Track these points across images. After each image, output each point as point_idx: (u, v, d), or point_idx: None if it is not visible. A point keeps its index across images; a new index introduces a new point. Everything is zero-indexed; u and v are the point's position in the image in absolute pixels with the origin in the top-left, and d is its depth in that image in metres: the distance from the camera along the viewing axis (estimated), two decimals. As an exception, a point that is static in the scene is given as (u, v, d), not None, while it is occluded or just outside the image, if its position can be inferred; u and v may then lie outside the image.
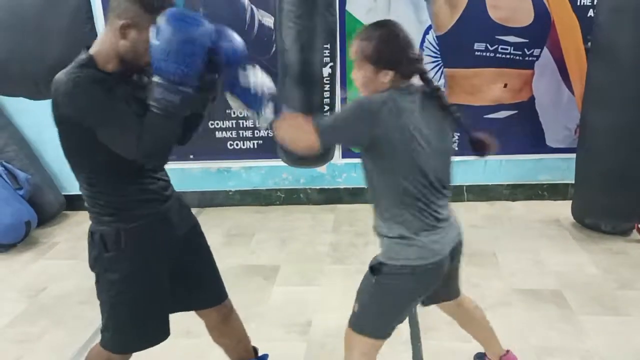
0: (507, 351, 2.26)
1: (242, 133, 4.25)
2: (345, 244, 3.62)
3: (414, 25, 3.92)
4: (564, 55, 3.92)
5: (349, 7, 3.90)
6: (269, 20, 3.95)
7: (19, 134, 4.22)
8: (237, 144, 4.29)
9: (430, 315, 2.77)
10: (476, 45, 3.93)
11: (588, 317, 2.74)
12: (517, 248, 3.50)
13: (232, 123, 4.22)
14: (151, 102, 1.54)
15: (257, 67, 1.78)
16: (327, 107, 3.13)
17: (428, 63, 4.00)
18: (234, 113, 4.19)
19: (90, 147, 1.61)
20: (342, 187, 4.36)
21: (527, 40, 3.90)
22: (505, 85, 4.03)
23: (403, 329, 2.64)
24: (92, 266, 1.80)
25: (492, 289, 3.02)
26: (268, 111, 1.76)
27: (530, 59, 3.95)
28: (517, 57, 3.95)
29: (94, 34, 3.28)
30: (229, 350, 2.17)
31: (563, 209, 3.94)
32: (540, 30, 3.89)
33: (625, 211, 3.48)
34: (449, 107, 1.80)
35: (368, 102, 1.69)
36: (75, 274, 3.34)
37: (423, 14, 3.90)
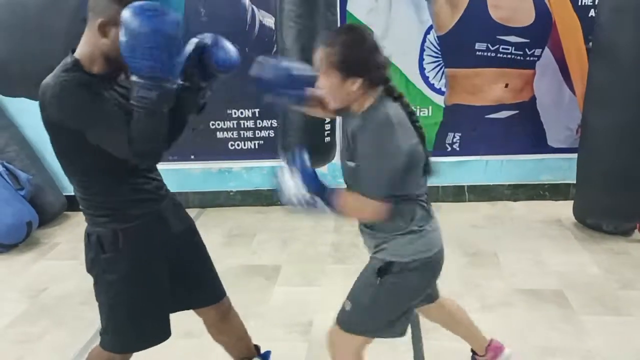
0: (491, 340, 2.27)
1: (243, 133, 4.25)
2: (347, 244, 3.61)
3: (415, 25, 3.92)
4: (565, 55, 3.92)
5: (349, 7, 3.90)
6: (269, 21, 3.95)
7: (20, 134, 4.23)
8: (238, 145, 4.29)
9: (431, 316, 2.77)
10: (477, 45, 3.93)
11: (589, 317, 2.74)
12: (518, 248, 3.49)
13: (233, 123, 4.22)
14: (132, 101, 1.54)
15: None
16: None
17: (429, 63, 4.00)
18: (235, 113, 4.19)
19: (80, 149, 1.61)
20: (343, 187, 4.35)
21: (528, 40, 3.90)
22: (507, 85, 4.03)
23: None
24: (90, 268, 1.80)
25: (493, 289, 3.01)
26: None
27: (532, 58, 3.95)
28: (519, 57, 3.94)
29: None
30: (230, 348, 2.17)
31: (564, 209, 3.93)
32: (542, 30, 3.88)
33: (627, 211, 3.47)
34: (414, 115, 1.74)
35: (391, 140, 1.63)
36: (76, 275, 3.34)
37: (424, 14, 3.90)
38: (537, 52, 3.93)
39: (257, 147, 4.30)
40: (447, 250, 3.49)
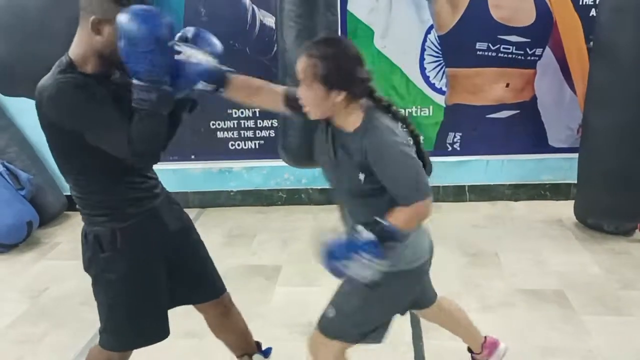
0: (485, 337, 2.27)
1: (244, 133, 4.25)
2: (347, 244, 3.60)
3: (415, 25, 3.91)
4: (566, 55, 3.91)
5: (350, 7, 3.89)
6: (270, 20, 3.94)
7: (20, 134, 4.23)
8: (238, 144, 4.28)
9: (432, 316, 2.76)
10: (478, 45, 3.92)
11: (590, 317, 2.73)
12: (519, 248, 3.49)
13: (233, 123, 4.22)
14: (133, 103, 1.55)
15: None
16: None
17: (430, 63, 3.99)
18: (236, 113, 4.19)
19: (77, 149, 1.61)
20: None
21: (529, 40, 3.89)
22: (508, 85, 4.02)
23: (405, 329, 2.64)
24: (88, 267, 1.80)
25: (494, 289, 3.01)
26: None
27: (533, 58, 3.94)
28: (519, 57, 3.94)
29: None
30: (231, 344, 2.17)
31: (565, 208, 3.93)
32: (542, 30, 3.88)
33: (628, 211, 3.47)
34: (407, 121, 1.72)
35: (402, 143, 1.63)
36: (76, 275, 3.31)
37: (425, 14, 3.90)
38: (538, 51, 3.92)
39: (257, 147, 4.29)
40: (447, 250, 3.53)
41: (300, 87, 1.66)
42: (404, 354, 2.51)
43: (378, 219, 1.62)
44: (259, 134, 4.24)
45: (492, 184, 4.28)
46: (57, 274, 3.45)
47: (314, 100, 1.64)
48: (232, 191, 4.44)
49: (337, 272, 1.66)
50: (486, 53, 3.94)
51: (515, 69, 3.97)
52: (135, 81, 1.53)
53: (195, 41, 1.71)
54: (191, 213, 2.06)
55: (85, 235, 1.78)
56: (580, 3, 3.79)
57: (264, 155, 4.28)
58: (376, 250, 1.59)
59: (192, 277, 1.96)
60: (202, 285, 2.01)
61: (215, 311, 2.08)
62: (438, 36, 3.93)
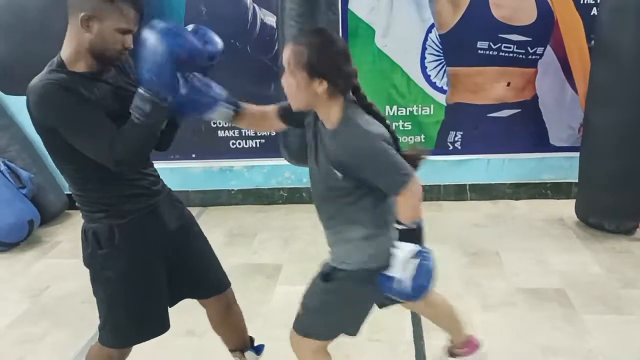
0: (470, 335, 2.27)
1: (244, 132, 4.24)
2: (348, 243, 3.60)
3: (416, 24, 3.91)
4: (567, 54, 3.91)
5: (351, 6, 3.89)
6: (271, 19, 3.94)
7: (21, 133, 4.23)
8: (239, 143, 4.28)
9: (433, 315, 2.76)
10: (479, 44, 3.92)
11: (591, 316, 2.73)
12: (520, 247, 3.49)
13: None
14: (130, 109, 1.56)
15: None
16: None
17: (431, 62, 3.99)
18: (237, 112, 4.18)
19: (70, 149, 1.61)
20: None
21: (530, 39, 3.89)
22: (509, 84, 4.02)
23: (406, 329, 2.64)
24: (87, 263, 1.81)
25: (495, 289, 3.01)
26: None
27: (534, 57, 3.94)
28: (521, 56, 3.93)
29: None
30: (227, 339, 2.18)
31: (566, 207, 3.93)
32: (544, 29, 3.87)
33: (629, 210, 3.47)
34: (386, 122, 1.70)
35: (379, 135, 1.63)
36: (78, 273, 3.32)
37: (426, 13, 3.89)
38: (539, 50, 3.92)
39: (258, 145, 4.29)
40: (448, 250, 3.53)
41: (284, 74, 1.66)
42: (405, 354, 2.51)
43: (396, 225, 1.66)
44: (259, 132, 4.24)
45: (493, 183, 4.28)
46: (58, 272, 3.46)
47: (296, 88, 1.63)
48: (232, 190, 4.44)
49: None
50: (487, 52, 3.93)
51: (517, 68, 3.97)
52: (140, 89, 1.54)
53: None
54: (192, 212, 2.05)
55: (84, 232, 1.79)
56: (582, 2, 3.79)
57: (264, 154, 4.28)
58: (426, 253, 1.66)
59: (194, 274, 1.97)
60: (205, 281, 2.02)
61: (218, 306, 2.08)
62: (439, 35, 3.93)
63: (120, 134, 1.56)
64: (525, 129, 4.11)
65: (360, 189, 1.68)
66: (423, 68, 4.01)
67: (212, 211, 4.32)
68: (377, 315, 2.47)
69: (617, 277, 3.07)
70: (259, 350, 2.21)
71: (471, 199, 4.30)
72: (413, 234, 1.64)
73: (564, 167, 4.14)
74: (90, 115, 1.57)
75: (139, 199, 1.78)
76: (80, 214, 1.80)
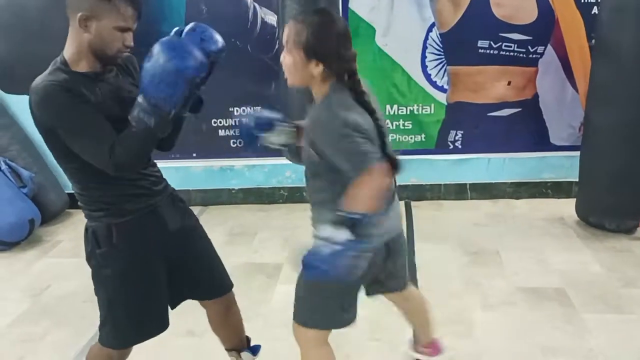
0: (436, 339, 2.30)
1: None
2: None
3: (417, 23, 3.91)
4: (567, 53, 3.90)
5: (352, 5, 3.89)
6: (271, 18, 3.94)
7: (22, 132, 4.23)
8: (240, 142, 4.28)
9: (433, 314, 2.76)
10: (480, 43, 3.92)
11: (592, 315, 2.73)
12: (520, 246, 3.48)
13: (235, 121, 4.21)
14: (130, 118, 1.55)
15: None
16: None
17: (431, 61, 3.99)
18: (237, 111, 4.19)
19: (71, 149, 1.61)
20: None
21: (531, 38, 3.88)
22: (509, 83, 4.02)
23: (406, 329, 2.64)
24: (88, 260, 1.82)
25: (495, 288, 3.01)
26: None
27: (534, 56, 3.93)
28: (521, 55, 3.93)
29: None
30: (225, 339, 2.18)
31: (567, 207, 3.93)
32: (544, 28, 3.87)
33: (629, 209, 3.47)
34: (375, 115, 1.67)
35: (352, 124, 1.59)
36: (78, 273, 3.34)
37: (426, 12, 3.89)
38: (540, 49, 3.91)
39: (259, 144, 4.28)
40: (448, 249, 3.53)
41: (283, 52, 1.68)
42: (405, 354, 2.50)
43: (339, 211, 1.54)
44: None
45: (493, 182, 4.28)
46: (59, 272, 3.46)
47: (292, 66, 1.65)
48: (233, 189, 4.44)
49: (327, 275, 1.57)
50: (488, 51, 3.93)
51: (517, 67, 3.96)
52: (141, 99, 1.53)
53: (189, 36, 1.70)
54: (192, 211, 2.06)
55: (85, 231, 1.79)
56: (582, 1, 3.78)
57: (265, 153, 4.25)
58: (353, 244, 1.50)
59: (195, 275, 1.96)
60: (207, 283, 2.02)
61: (219, 307, 2.09)
62: (440, 34, 3.93)
63: (120, 139, 1.57)
64: (526, 128, 4.11)
65: (333, 173, 1.66)
66: (423, 67, 4.01)
67: (212, 210, 4.33)
68: (377, 315, 2.48)
69: (617, 276, 3.07)
70: (255, 350, 2.22)
71: (471, 198, 4.30)
72: (350, 223, 1.51)
73: (564, 166, 4.14)
74: (90, 119, 1.58)
75: (140, 199, 1.78)
76: (82, 213, 1.80)
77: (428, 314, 2.25)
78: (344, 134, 1.56)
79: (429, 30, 3.92)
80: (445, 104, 4.08)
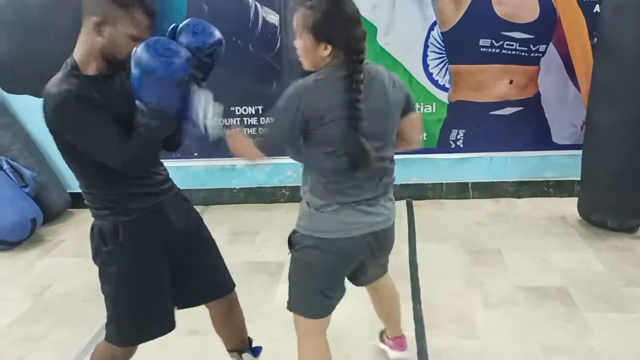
0: (404, 336, 2.37)
1: (247, 130, 4.24)
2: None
3: (418, 22, 3.90)
4: (569, 52, 3.90)
5: (353, 4, 3.88)
6: (272, 18, 3.94)
7: (24, 131, 4.24)
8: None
9: (434, 313, 2.76)
10: (481, 42, 3.91)
11: (594, 314, 2.73)
12: (522, 245, 3.48)
13: (236, 120, 4.21)
14: (136, 124, 1.58)
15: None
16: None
17: (433, 59, 3.98)
18: (238, 110, 4.19)
19: (80, 150, 1.64)
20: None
21: (532, 36, 3.88)
22: (511, 82, 4.01)
23: (407, 328, 2.64)
24: (94, 259, 1.83)
25: (497, 287, 3.00)
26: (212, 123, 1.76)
27: (536, 55, 3.93)
28: (523, 53, 3.93)
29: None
30: (227, 340, 2.19)
31: (569, 206, 3.92)
32: (546, 26, 3.86)
33: (631, 208, 3.46)
34: (356, 104, 1.64)
35: (299, 97, 1.65)
36: (80, 272, 3.35)
37: (428, 10, 3.88)
38: (542, 48, 3.91)
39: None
40: (450, 248, 3.52)
41: (296, 36, 1.72)
42: (407, 351, 2.50)
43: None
44: (262, 131, 4.24)
45: (495, 181, 4.27)
46: (61, 271, 3.46)
47: (303, 50, 1.69)
48: (235, 188, 4.44)
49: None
50: (489, 50, 3.92)
51: (519, 66, 3.96)
52: (139, 105, 1.56)
53: (182, 31, 1.70)
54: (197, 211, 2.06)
55: (92, 229, 1.81)
56: (584, -1, 3.78)
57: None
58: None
59: (199, 275, 1.97)
60: (210, 283, 2.02)
61: (222, 307, 2.09)
62: (441, 33, 3.92)
63: (129, 139, 1.60)
64: (528, 127, 4.10)
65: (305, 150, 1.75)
66: (425, 66, 4.01)
67: (214, 210, 4.33)
68: (377, 316, 2.47)
69: (619, 275, 3.07)
70: (256, 352, 2.22)
71: (473, 197, 4.29)
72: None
73: (566, 165, 4.13)
74: (103, 123, 1.60)
75: (145, 198, 1.79)
76: (85, 212, 1.81)
77: (396, 308, 2.29)
78: (279, 106, 1.69)
79: (431, 29, 3.92)
80: (447, 102, 4.08)
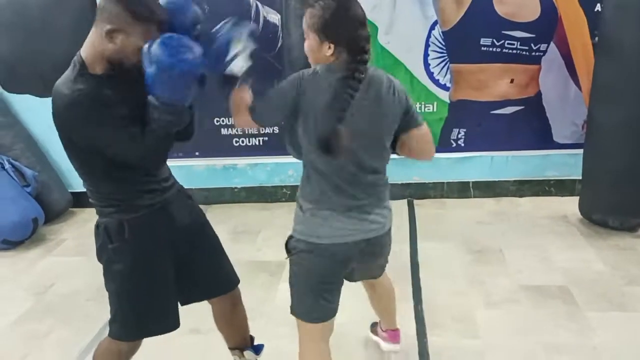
0: (398, 329, 2.40)
1: (248, 130, 4.24)
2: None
3: (419, 21, 3.90)
4: (571, 51, 3.89)
5: (354, 3, 3.88)
6: (274, 17, 3.93)
7: (25, 131, 4.24)
8: (242, 141, 4.29)
9: (436, 312, 2.76)
10: (482, 41, 3.91)
11: (595, 313, 2.73)
12: (523, 244, 3.48)
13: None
14: (150, 120, 1.60)
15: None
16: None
17: (434, 59, 3.98)
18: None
19: (88, 149, 1.65)
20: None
21: (533, 35, 3.87)
22: (512, 81, 4.01)
23: (408, 327, 2.64)
24: (99, 258, 1.84)
25: (498, 286, 3.01)
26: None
27: (537, 54, 3.93)
28: (524, 53, 3.92)
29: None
30: (229, 337, 2.19)
31: (570, 205, 3.92)
32: (547, 25, 3.86)
33: (632, 207, 3.46)
34: (344, 101, 1.63)
35: (297, 86, 1.70)
36: (82, 271, 3.36)
37: (429, 10, 3.88)
38: (543, 47, 3.90)
39: (261, 143, 4.29)
40: (451, 247, 3.52)
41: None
42: (408, 350, 2.51)
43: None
44: (262, 130, 4.24)
45: (496, 180, 4.27)
46: (63, 270, 3.47)
47: (309, 49, 1.73)
48: (236, 188, 4.45)
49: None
50: (490, 49, 3.92)
51: (520, 65, 3.96)
52: (153, 100, 1.57)
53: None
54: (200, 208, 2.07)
55: (97, 227, 1.82)
56: (585, -2, 3.78)
57: (268, 152, 4.28)
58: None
59: (203, 272, 1.99)
60: (214, 279, 2.04)
61: (225, 304, 2.10)
62: (442, 32, 3.92)
63: (142, 134, 1.62)
64: (529, 126, 4.10)
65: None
66: (426, 65, 4.01)
67: (215, 209, 4.33)
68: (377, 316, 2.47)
69: (621, 274, 3.07)
70: (258, 349, 2.22)
71: (475, 197, 4.29)
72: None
73: (567, 164, 4.13)
74: (115, 120, 1.61)
75: (151, 195, 1.81)
76: (86, 211, 1.82)
77: (392, 304, 2.32)
78: (281, 84, 1.75)
79: (432, 28, 3.92)
80: (448, 102, 4.08)
